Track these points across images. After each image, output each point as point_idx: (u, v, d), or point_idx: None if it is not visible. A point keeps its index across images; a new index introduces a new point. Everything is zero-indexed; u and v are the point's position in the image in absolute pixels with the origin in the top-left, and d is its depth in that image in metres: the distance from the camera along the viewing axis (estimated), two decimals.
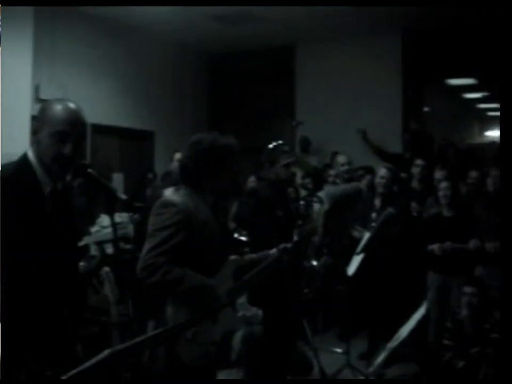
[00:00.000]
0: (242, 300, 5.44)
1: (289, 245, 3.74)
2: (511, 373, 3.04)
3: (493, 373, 5.16)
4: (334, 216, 7.04)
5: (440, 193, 6.36)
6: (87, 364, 2.01)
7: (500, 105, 3.61)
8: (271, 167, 5.08)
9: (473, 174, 7.14)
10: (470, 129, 15.26)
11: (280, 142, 5.14)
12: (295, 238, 4.22)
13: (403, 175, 7.78)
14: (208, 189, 3.36)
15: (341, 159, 8.50)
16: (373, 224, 6.22)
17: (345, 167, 8.32)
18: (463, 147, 9.47)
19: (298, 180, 7.28)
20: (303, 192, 6.20)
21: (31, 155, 2.67)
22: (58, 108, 2.69)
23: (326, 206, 6.31)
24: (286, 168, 5.04)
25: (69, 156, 2.64)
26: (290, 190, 5.32)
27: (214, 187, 3.37)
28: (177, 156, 7.09)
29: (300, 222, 5.08)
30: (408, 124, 9.75)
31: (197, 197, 3.34)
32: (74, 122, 2.69)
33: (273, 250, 3.68)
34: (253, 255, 3.59)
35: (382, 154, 9.22)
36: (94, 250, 5.70)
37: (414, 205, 7.01)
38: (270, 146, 5.11)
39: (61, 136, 2.63)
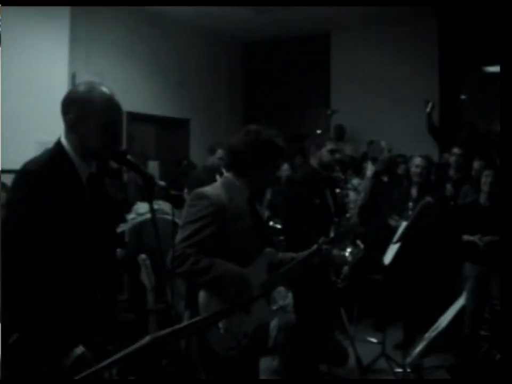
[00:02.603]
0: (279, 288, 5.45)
1: (329, 239, 3.69)
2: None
3: None
4: (369, 207, 7.00)
5: (483, 181, 6.14)
6: (128, 350, 2.01)
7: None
8: (316, 152, 5.07)
9: None
10: None
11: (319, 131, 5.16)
12: (335, 232, 4.19)
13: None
14: (248, 180, 3.35)
15: (384, 144, 8.34)
16: (410, 213, 6.14)
17: (387, 154, 8.16)
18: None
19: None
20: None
21: (65, 144, 2.67)
22: (98, 96, 2.67)
23: (362, 196, 6.28)
24: (331, 153, 5.03)
25: (116, 144, 2.67)
26: (336, 175, 5.29)
27: (254, 180, 3.35)
28: (219, 152, 7.03)
29: (337, 218, 5.04)
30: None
31: (234, 187, 3.33)
32: (117, 110, 2.70)
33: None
34: (293, 255, 3.53)
35: (434, 131, 9.03)
36: (128, 237, 5.74)
37: (449, 187, 6.87)
38: (318, 131, 5.12)
39: (110, 125, 2.65)
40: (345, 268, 4.80)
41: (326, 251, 3.59)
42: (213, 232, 3.14)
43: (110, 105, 2.67)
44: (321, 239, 3.57)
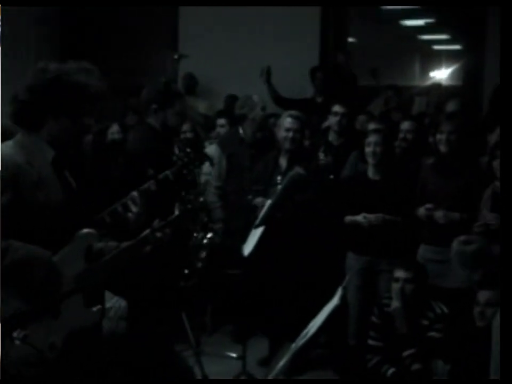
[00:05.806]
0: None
1: (167, 220, 3.67)
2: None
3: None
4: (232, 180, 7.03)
5: (368, 150, 6.20)
6: None
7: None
8: (158, 112, 4.98)
9: (406, 125, 6.99)
10: (410, 67, 15.38)
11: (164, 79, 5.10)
12: (176, 212, 4.17)
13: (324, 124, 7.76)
14: (45, 135, 3.28)
15: (257, 99, 8.37)
16: (277, 189, 6.18)
17: (262, 112, 8.17)
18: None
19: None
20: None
21: None
22: None
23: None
24: (177, 116, 4.96)
25: None
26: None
27: (54, 134, 3.29)
28: None
29: (183, 193, 5.02)
30: (328, 58, 9.74)
31: (31, 147, 3.27)
32: None
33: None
34: (123, 244, 3.48)
35: (283, 102, 9.16)
36: None
37: (321, 156, 6.93)
38: (162, 80, 5.04)
39: None
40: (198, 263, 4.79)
41: (161, 237, 3.56)
42: (5, 203, 3.06)
43: None
44: (155, 222, 3.54)
